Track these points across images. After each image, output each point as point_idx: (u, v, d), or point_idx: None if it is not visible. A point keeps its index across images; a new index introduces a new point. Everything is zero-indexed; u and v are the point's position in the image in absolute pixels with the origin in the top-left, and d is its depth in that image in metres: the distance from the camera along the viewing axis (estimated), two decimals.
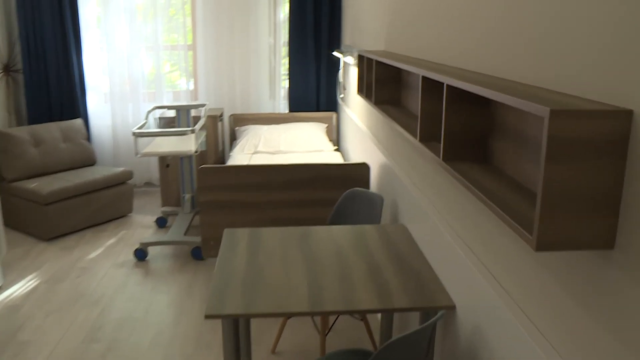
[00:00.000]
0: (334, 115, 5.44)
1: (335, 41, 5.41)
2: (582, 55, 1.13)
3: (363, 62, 3.33)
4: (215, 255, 3.53)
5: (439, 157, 1.67)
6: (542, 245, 0.99)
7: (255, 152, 4.82)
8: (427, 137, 1.95)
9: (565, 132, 0.95)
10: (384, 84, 2.87)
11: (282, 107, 5.78)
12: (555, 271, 1.28)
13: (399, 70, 2.84)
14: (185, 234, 4.31)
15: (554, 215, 0.98)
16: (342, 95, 4.98)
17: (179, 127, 4.66)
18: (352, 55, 4.20)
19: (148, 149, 4.08)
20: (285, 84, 5.72)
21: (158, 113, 5.43)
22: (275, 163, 3.49)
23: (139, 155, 3.99)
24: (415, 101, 2.56)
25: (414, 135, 2.04)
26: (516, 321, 1.47)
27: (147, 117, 4.31)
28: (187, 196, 4.66)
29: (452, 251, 2.04)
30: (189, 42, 5.61)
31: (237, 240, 2.49)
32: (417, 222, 2.57)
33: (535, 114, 1.22)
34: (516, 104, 1.06)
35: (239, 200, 3.44)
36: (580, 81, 1.13)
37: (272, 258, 2.30)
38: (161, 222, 4.83)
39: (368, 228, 2.64)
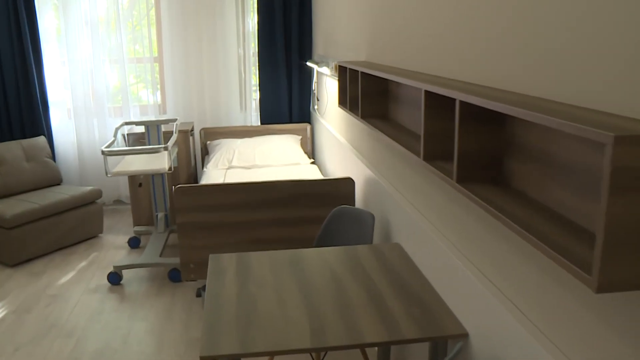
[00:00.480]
0: (307, 126, 5.33)
1: (306, 51, 5.31)
2: (608, 62, 1.04)
3: (345, 73, 3.23)
4: (196, 279, 3.37)
5: (452, 178, 1.58)
6: (604, 286, 0.90)
7: (230, 167, 4.67)
8: (431, 156, 1.85)
9: (630, 160, 0.86)
10: (369, 97, 2.78)
11: (254, 119, 5.64)
12: (579, 293, 1.19)
13: (385, 82, 2.75)
14: (161, 254, 4.13)
15: (617, 253, 0.89)
16: (316, 107, 4.88)
17: (149, 143, 4.48)
18: (327, 65, 4.10)
19: (119, 168, 3.90)
20: (256, 95, 5.58)
21: (126, 129, 5.23)
22: (254, 180, 3.37)
23: (109, 175, 3.81)
24: (406, 115, 2.47)
25: (415, 153, 1.95)
26: (543, 349, 1.38)
27: (115, 134, 4.12)
28: (161, 215, 4.48)
29: (458, 272, 1.95)
30: (155, 54, 5.43)
31: (223, 268, 2.35)
32: (413, 240, 2.48)
33: (577, 136, 1.13)
34: (571, 129, 0.97)
35: (219, 220, 3.29)
36: (603, 93, 1.05)
37: (264, 287, 2.17)
38: (134, 243, 4.63)
39: (361, 249, 2.54)
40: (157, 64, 5.45)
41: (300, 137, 5.27)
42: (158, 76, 5.47)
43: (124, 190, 5.65)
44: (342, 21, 3.78)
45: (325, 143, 4.63)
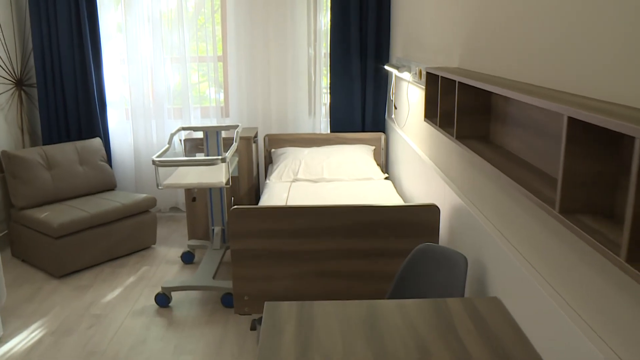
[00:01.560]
0: (382, 136, 4.81)
1: (383, 53, 4.80)
2: None
3: (435, 82, 2.71)
4: (249, 313, 2.93)
5: (617, 254, 1.04)
6: None
7: (295, 180, 4.22)
8: (572, 208, 1.31)
9: None
10: (466, 113, 2.25)
11: (323, 125, 5.17)
12: None
13: (487, 95, 2.21)
14: (215, 275, 3.73)
15: None
16: (393, 116, 4.36)
17: (207, 150, 4.09)
18: (409, 70, 3.58)
19: (171, 180, 3.51)
20: (326, 100, 5.12)
21: (183, 134, 4.87)
22: (321, 197, 2.89)
23: (160, 187, 3.42)
24: (519, 140, 1.92)
25: (546, 201, 1.41)
26: None
27: (170, 141, 3.74)
28: (217, 229, 4.09)
29: (584, 350, 1.40)
30: (219, 53, 5.05)
31: (281, 322, 1.88)
32: (518, 297, 1.93)
33: None
34: None
35: (279, 248, 2.84)
36: None
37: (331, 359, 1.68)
38: (187, 258, 4.26)
39: (453, 304, 2.01)
40: (221, 64, 5.07)
41: (373, 147, 4.76)
42: (221, 76, 5.09)
43: (181, 197, 5.31)
44: (428, 18, 3.25)
45: (401, 157, 4.11)
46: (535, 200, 1.51)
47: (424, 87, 3.27)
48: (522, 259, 1.93)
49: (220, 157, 3.33)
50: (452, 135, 2.28)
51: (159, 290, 3.82)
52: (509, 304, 2.04)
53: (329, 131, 5.11)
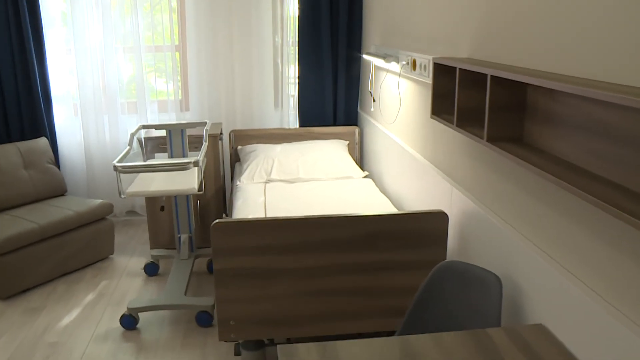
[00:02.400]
0: (356, 130, 4.52)
1: (355, 42, 4.48)
2: None
3: (445, 74, 2.42)
4: (237, 340, 2.59)
5: None
6: None
7: (268, 181, 3.88)
8: None
9: None
10: (493, 111, 1.97)
11: (292, 119, 4.83)
12: None
13: (522, 91, 1.93)
14: (186, 291, 3.35)
15: None
16: (372, 109, 4.06)
17: (171, 151, 3.69)
18: (396, 60, 3.28)
19: (135, 187, 3.11)
20: (294, 91, 4.77)
21: (143, 132, 4.43)
22: (315, 215, 2.60)
23: (123, 196, 3.02)
24: (569, 143, 1.66)
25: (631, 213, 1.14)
26: None
27: (131, 142, 3.33)
28: (184, 237, 3.70)
29: None
30: (177, 42, 4.62)
31: None
32: (568, 321, 1.68)
33: None
34: None
35: (267, 266, 2.50)
36: None
37: None
38: (151, 270, 3.86)
39: (495, 334, 1.74)
40: (179, 53, 4.65)
41: (347, 142, 4.46)
42: (180, 67, 4.66)
43: (140, 200, 4.86)
44: (421, 2, 2.96)
45: (383, 153, 3.82)
46: (626, 219, 1.24)
47: (419, 79, 2.98)
48: (574, 278, 1.68)
49: (192, 160, 2.95)
50: (479, 137, 1.99)
51: (122, 309, 3.42)
52: (557, 331, 1.79)
53: (297, 125, 4.78)
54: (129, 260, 4.09)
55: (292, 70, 4.71)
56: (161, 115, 4.69)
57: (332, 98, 4.61)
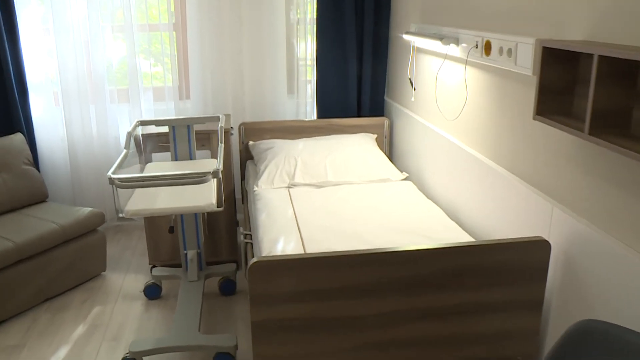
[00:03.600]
0: (385, 122, 3.91)
1: (383, 17, 3.85)
2: None
3: (558, 63, 1.82)
4: None
5: None
6: None
7: (292, 185, 3.26)
8: None
9: None
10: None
11: (309, 109, 4.19)
12: None
13: None
14: (200, 326, 2.75)
15: None
16: (412, 99, 3.44)
17: (175, 151, 3.05)
18: (456, 43, 2.67)
19: (138, 204, 2.47)
20: (312, 76, 4.13)
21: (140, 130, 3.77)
22: (382, 249, 2.05)
23: (121, 215, 2.40)
24: None
25: None
26: None
27: (129, 144, 2.69)
28: (191, 254, 3.09)
29: None
30: (175, 20, 3.94)
31: None
32: None
33: None
34: None
35: (320, 315, 1.91)
36: None
37: None
38: (152, 292, 3.24)
39: None
40: (177, 33, 3.97)
41: (375, 136, 3.85)
42: (178, 49, 3.99)
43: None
44: None
45: (425, 152, 3.22)
46: None
47: (498, 67, 2.37)
48: None
49: (210, 170, 2.32)
50: (631, 149, 1.40)
51: (121, 346, 2.81)
52: None
53: (314, 116, 4.15)
54: (125, 278, 3.47)
55: (309, 52, 4.06)
56: (157, 104, 4.02)
57: (356, 84, 3.98)
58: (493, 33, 2.36)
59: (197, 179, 2.28)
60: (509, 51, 2.22)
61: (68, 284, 3.27)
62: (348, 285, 1.90)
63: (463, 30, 2.63)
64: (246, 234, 2.97)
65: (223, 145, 2.74)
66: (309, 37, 4.03)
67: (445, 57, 2.82)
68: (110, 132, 3.96)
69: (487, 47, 2.41)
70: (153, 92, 4.01)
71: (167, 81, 3.98)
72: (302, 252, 2.38)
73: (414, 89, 3.42)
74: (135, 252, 3.82)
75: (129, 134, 2.74)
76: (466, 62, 2.60)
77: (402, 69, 3.67)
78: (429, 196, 3.22)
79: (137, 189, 2.67)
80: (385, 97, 4.09)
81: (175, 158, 3.07)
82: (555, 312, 2.06)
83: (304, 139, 3.72)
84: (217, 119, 3.02)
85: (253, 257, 2.75)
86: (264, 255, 2.39)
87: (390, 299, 1.95)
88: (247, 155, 3.82)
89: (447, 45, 2.72)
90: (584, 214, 1.88)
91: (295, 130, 3.85)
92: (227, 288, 3.27)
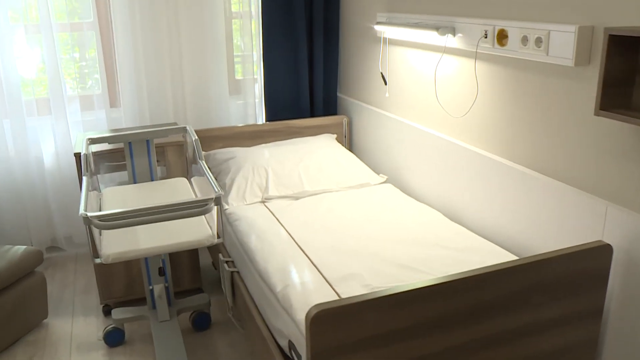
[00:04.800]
0: (344, 120, 3.64)
1: (333, 8, 3.57)
2: None
3: (622, 54, 1.65)
4: None
5: None
6: None
7: (267, 199, 2.91)
8: None
9: None
10: None
11: (257, 110, 3.82)
12: None
13: None
14: None
15: None
16: (387, 94, 3.19)
17: (133, 169, 2.60)
18: (452, 33, 2.45)
19: (119, 246, 2.03)
20: (257, 73, 3.76)
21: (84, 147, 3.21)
22: (450, 276, 1.80)
23: (99, 261, 1.95)
24: None
25: None
26: None
27: (87, 167, 2.21)
28: (158, 289, 2.65)
29: None
30: (97, 18, 3.41)
31: None
32: None
33: None
34: None
35: (389, 357, 1.62)
36: None
37: None
38: (114, 338, 2.76)
39: None
40: (101, 32, 3.43)
41: (335, 136, 3.58)
42: (104, 51, 3.46)
43: (61, 229, 3.62)
44: None
45: (402, 150, 3.00)
46: None
47: (516, 57, 2.17)
48: None
49: (212, 196, 1.93)
50: None
51: None
52: None
53: (263, 118, 3.80)
54: (73, 324, 2.94)
55: (255, 47, 3.69)
56: (86, 114, 3.48)
57: (307, 81, 3.67)
58: (507, 21, 2.16)
59: (199, 208, 1.88)
60: (538, 40, 2.03)
61: (7, 341, 2.70)
62: (415, 323, 1.62)
63: (460, 18, 2.42)
64: (228, 261, 2.60)
65: (204, 162, 2.33)
66: (254, 30, 3.65)
67: (444, 49, 2.59)
68: (31, 150, 3.36)
69: (501, 37, 2.21)
70: (80, 100, 3.45)
71: (96, 88, 3.44)
72: (322, 279, 2.07)
73: (386, 83, 3.17)
74: (76, 289, 3.28)
75: (86, 157, 2.26)
76: (476, 54, 2.38)
77: (361, 63, 3.41)
78: (416, 199, 3.00)
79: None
80: (339, 94, 3.82)
81: (134, 179, 2.61)
82: (614, 318, 1.91)
83: (263, 145, 3.38)
84: (183, 129, 2.60)
85: (244, 287, 2.39)
86: (277, 289, 2.05)
87: (457, 330, 1.69)
88: (189, 168, 3.39)
89: (444, 36, 2.50)
90: None
91: (249, 136, 3.48)
92: (201, 322, 2.87)
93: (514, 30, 2.14)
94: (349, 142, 3.70)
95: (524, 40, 2.09)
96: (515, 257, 2.21)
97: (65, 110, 3.36)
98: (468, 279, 1.65)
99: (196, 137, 2.43)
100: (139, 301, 3.08)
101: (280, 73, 3.62)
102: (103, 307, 3.02)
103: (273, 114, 3.69)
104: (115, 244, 2.01)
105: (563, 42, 1.93)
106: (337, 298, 1.95)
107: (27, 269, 2.77)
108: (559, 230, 2.07)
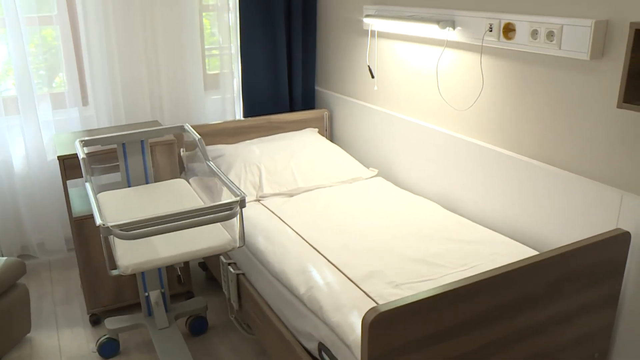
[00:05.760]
0: (325, 114, 3.61)
1: (310, 1, 3.52)
2: None
3: None
4: None
5: None
6: None
7: (261, 197, 2.84)
8: None
9: None
10: None
11: (235, 106, 3.73)
12: None
13: None
14: None
15: None
16: (375, 87, 3.18)
17: (127, 173, 2.48)
18: (452, 26, 2.46)
19: (136, 257, 1.92)
20: (235, 68, 3.67)
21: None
22: (493, 270, 1.84)
23: (116, 273, 1.85)
24: None
25: None
26: None
27: (88, 173, 2.09)
28: (155, 295, 2.56)
29: None
30: (69, 11, 3.22)
31: None
32: None
33: None
34: None
35: (444, 357, 1.62)
36: None
37: None
38: (110, 350, 2.63)
39: None
40: (64, 27, 3.24)
41: (316, 129, 3.55)
42: (75, 44, 3.27)
43: (33, 236, 3.41)
44: None
45: (392, 144, 3.00)
46: None
47: (521, 50, 2.19)
48: None
49: (236, 199, 1.86)
50: None
51: None
52: None
53: (241, 113, 3.71)
54: (59, 337, 2.78)
55: (232, 40, 3.59)
56: (58, 113, 3.29)
57: (287, 75, 3.60)
58: (513, 14, 2.19)
59: (225, 212, 1.81)
60: (549, 34, 2.06)
61: None
62: (465, 320, 1.62)
63: (459, 11, 2.43)
64: (230, 263, 2.53)
65: (210, 163, 2.25)
66: (230, 25, 3.55)
67: (446, 43, 2.59)
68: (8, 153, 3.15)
69: (507, 30, 2.23)
70: (51, 98, 3.25)
71: (67, 85, 3.25)
72: (345, 279, 2.04)
73: (373, 77, 3.15)
74: (56, 299, 3.10)
75: (84, 162, 2.13)
76: (482, 48, 2.40)
77: (344, 56, 3.38)
78: (410, 191, 3.00)
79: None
80: (317, 87, 3.78)
81: (128, 183, 2.48)
82: (629, 304, 1.98)
83: (249, 141, 3.30)
84: (181, 128, 2.49)
85: (253, 289, 2.33)
86: (301, 291, 2.01)
87: (501, 323, 1.71)
88: (183, 168, 3.28)
89: (445, 29, 2.50)
90: None
91: (231, 133, 3.39)
92: (198, 327, 2.78)
93: (523, 24, 2.16)
94: (329, 135, 3.67)
95: (534, 34, 2.12)
96: (524, 247, 2.25)
97: (36, 110, 3.16)
98: (512, 272, 1.66)
99: (199, 136, 2.33)
100: (128, 309, 2.96)
101: (258, 67, 3.54)
102: (90, 316, 2.87)
103: (251, 109, 3.61)
104: (133, 254, 1.90)
105: (577, 36, 1.97)
106: (365, 297, 1.92)
107: (11, 281, 2.59)
108: (568, 220, 2.12)
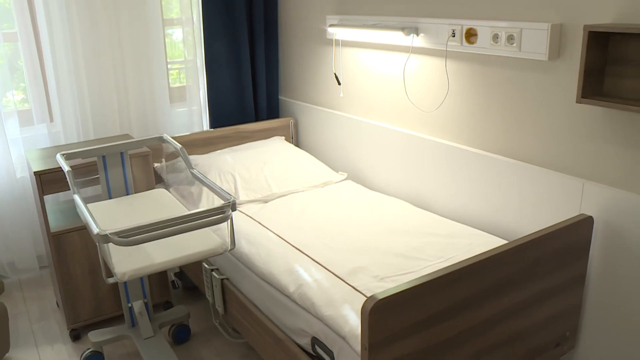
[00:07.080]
0: (291, 122, 3.70)
1: (269, 8, 3.62)
2: None
3: (598, 47, 1.88)
4: None
5: None
6: None
7: (238, 204, 2.91)
8: None
9: None
10: None
11: (202, 118, 3.78)
12: None
13: None
14: None
15: None
16: (341, 94, 3.30)
17: (107, 184, 2.50)
18: (416, 33, 2.61)
19: (133, 263, 1.97)
20: (200, 81, 3.72)
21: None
22: (479, 255, 1.95)
23: (112, 280, 1.89)
24: None
25: None
26: None
27: (74, 185, 2.12)
28: (138, 305, 2.59)
29: None
30: (33, 28, 3.21)
31: None
32: None
33: None
34: None
35: (436, 339, 1.73)
36: None
37: None
38: None
39: None
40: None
41: (283, 137, 3.64)
42: (40, 59, 3.27)
43: (4, 253, 3.37)
44: None
45: (360, 148, 3.13)
46: None
47: (485, 53, 2.36)
48: None
49: (228, 201, 1.94)
50: None
51: None
52: None
53: (207, 124, 3.77)
54: (40, 355, 2.76)
55: (198, 54, 3.65)
56: (26, 130, 3.27)
57: (251, 85, 3.69)
58: (474, 20, 2.35)
59: (218, 215, 1.88)
60: (510, 38, 2.23)
61: None
62: (452, 304, 1.74)
63: (423, 19, 2.58)
64: (213, 269, 2.59)
65: (194, 170, 2.31)
66: (194, 38, 3.61)
67: (411, 49, 2.73)
68: None
69: (469, 35, 2.39)
70: (18, 116, 3.23)
71: (34, 101, 3.24)
72: (332, 275, 2.13)
73: (339, 83, 3.27)
74: (31, 318, 3.07)
75: (69, 174, 2.15)
76: (446, 53, 2.55)
77: (308, 65, 3.49)
78: (380, 193, 3.13)
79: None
80: (280, 97, 3.87)
81: (109, 195, 2.51)
82: (595, 283, 2.14)
83: (220, 151, 3.37)
84: (160, 139, 2.54)
85: (239, 293, 2.39)
86: (291, 290, 2.09)
87: (488, 304, 1.84)
88: (157, 179, 3.30)
89: (409, 36, 2.65)
90: (615, 184, 1.98)
91: (201, 144, 3.45)
92: (182, 335, 2.82)
93: (484, 29, 2.33)
94: (296, 142, 3.77)
95: (495, 37, 2.29)
96: (495, 237, 2.40)
97: (4, 127, 3.14)
98: (495, 256, 1.80)
99: (180, 146, 2.39)
100: (109, 322, 2.96)
101: (223, 79, 3.61)
102: (70, 332, 2.86)
103: (217, 120, 3.67)
104: (128, 261, 1.94)
105: (536, 38, 2.14)
106: (354, 291, 2.02)
107: None
108: (534, 209, 2.28)
